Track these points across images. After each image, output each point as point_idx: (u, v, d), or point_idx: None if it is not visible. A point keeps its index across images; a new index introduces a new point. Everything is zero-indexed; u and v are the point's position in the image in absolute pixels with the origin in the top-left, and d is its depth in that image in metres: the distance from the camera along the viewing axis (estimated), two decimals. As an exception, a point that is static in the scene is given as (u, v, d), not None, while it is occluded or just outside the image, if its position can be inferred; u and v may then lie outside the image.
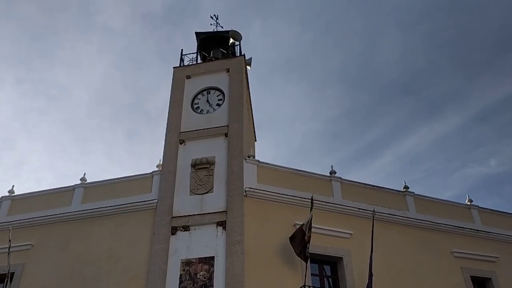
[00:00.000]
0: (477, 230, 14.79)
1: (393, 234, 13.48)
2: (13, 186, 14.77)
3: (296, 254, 11.21)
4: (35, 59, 39.39)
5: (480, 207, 15.64)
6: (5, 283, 11.82)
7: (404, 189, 14.85)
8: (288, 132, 42.11)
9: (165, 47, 42.07)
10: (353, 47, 41.59)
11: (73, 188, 13.98)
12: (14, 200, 14.43)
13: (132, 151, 42.12)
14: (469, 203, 15.63)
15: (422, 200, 14.84)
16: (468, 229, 14.66)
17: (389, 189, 14.71)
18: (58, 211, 13.49)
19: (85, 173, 14.26)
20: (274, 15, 42.04)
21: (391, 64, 40.52)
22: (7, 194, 14.60)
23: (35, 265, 12.74)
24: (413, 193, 14.82)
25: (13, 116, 39.17)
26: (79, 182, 14.08)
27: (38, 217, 13.54)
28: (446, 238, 14.18)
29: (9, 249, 11.85)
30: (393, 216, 13.82)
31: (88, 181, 14.11)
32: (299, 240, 11.20)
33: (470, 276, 13.62)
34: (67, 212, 13.40)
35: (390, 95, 41.54)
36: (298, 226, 11.98)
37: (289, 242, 11.37)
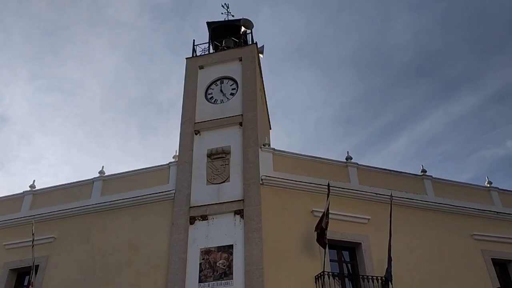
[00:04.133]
0: (497, 212, 14.60)
1: (412, 218, 13.40)
2: (34, 181, 15.14)
3: (316, 241, 11.24)
4: (48, 54, 39.87)
5: (500, 189, 15.42)
6: (30, 275, 12.15)
7: (422, 173, 14.71)
8: (301, 119, 41.93)
9: (174, 38, 42.15)
10: (365, 30, 41.03)
11: (92, 181, 14.21)
12: (36, 195, 14.74)
13: (146, 143, 42.53)
14: (488, 185, 15.42)
15: (440, 184, 14.68)
16: (488, 211, 14.48)
17: (407, 173, 14.59)
18: (79, 204, 13.75)
19: (103, 166, 14.51)
20: (282, 1, 41.63)
21: (405, 47, 39.88)
22: (29, 188, 14.91)
23: (58, 257, 13.05)
24: (431, 176, 14.67)
25: (29, 112, 39.84)
26: (97, 175, 14.29)
27: (59, 211, 13.83)
28: (466, 221, 14.04)
29: (32, 243, 12.13)
30: (411, 200, 13.72)
31: (106, 174, 14.31)
32: (318, 226, 11.22)
33: (491, 259, 13.49)
34: (87, 205, 13.64)
35: (404, 77, 40.96)
36: (315, 213, 12.02)
37: (314, 231, 11.39)
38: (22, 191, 14.91)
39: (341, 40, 41.37)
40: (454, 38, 39.69)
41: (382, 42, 40.53)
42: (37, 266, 12.58)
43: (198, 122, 14.21)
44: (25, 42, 39.00)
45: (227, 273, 11.24)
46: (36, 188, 14.93)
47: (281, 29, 40.98)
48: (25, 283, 13.39)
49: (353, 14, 41.10)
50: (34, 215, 13.74)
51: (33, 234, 12.21)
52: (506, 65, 38.01)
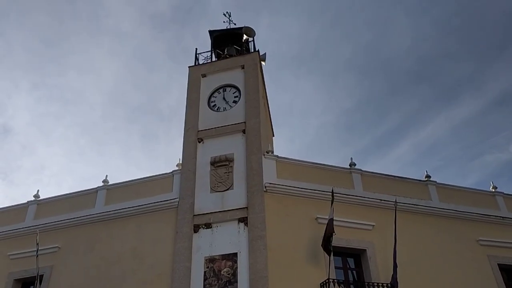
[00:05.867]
0: (503, 217, 14.49)
1: (417, 224, 13.33)
2: (38, 190, 15.15)
3: (322, 247, 11.19)
4: (49, 65, 40.04)
5: (505, 194, 15.31)
6: (35, 285, 12.13)
7: (426, 178, 14.65)
8: (303, 125, 41.92)
9: (174, 47, 42.31)
10: (362, 37, 41.04)
11: (96, 190, 14.22)
12: (40, 204, 14.75)
13: (148, 151, 42.54)
14: (493, 190, 15.34)
15: (445, 189, 14.62)
16: (493, 217, 14.38)
17: (411, 179, 14.54)
18: (83, 213, 13.76)
19: (107, 175, 14.53)
20: (281, 9, 41.80)
21: (402, 53, 39.83)
22: (33, 198, 14.93)
23: (62, 267, 13.02)
24: (435, 182, 14.61)
25: (31, 122, 39.98)
26: (101, 184, 14.31)
27: (63, 220, 13.82)
28: (471, 226, 13.94)
29: (37, 252, 12.14)
30: (415, 206, 13.66)
31: (110, 183, 14.33)
32: (324, 233, 11.17)
33: (498, 264, 13.38)
34: (91, 214, 13.65)
35: (403, 83, 40.94)
36: (319, 220, 12.00)
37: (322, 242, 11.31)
38: (26, 201, 14.93)
39: (338, 47, 41.48)
40: (451, 42, 39.72)
41: (379, 48, 40.63)
42: (41, 276, 12.57)
43: (201, 130, 14.25)
44: (26, 53, 39.26)
45: (231, 282, 11.19)
46: (40, 198, 14.94)
47: (279, 37, 41.15)
48: (30, 293, 13.38)
49: (350, 21, 41.26)
50: (38, 225, 13.77)
51: (37, 244, 12.22)
52: (507, 68, 37.93)
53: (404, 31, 39.74)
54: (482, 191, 15.31)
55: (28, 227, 14.07)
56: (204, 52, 17.20)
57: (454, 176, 41.36)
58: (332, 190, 11.46)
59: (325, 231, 11.19)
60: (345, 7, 40.84)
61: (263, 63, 16.81)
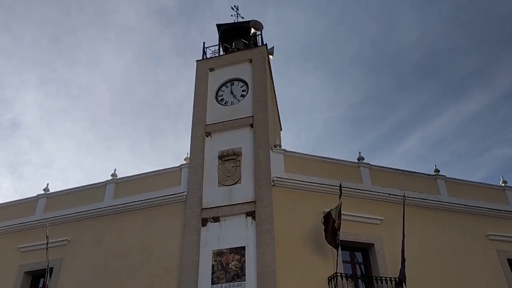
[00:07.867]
0: (512, 212, 14.39)
1: (425, 218, 13.26)
2: (47, 184, 15.30)
3: (327, 241, 11.19)
4: (56, 59, 40.21)
5: (515, 188, 15.19)
6: (45, 278, 12.28)
7: (435, 173, 14.56)
8: (309, 120, 41.81)
9: (181, 42, 42.34)
10: (369, 31, 40.74)
11: (104, 184, 14.31)
12: (50, 198, 14.89)
13: (155, 146, 42.65)
14: (503, 184, 15.20)
15: (454, 183, 14.51)
16: (503, 211, 14.26)
17: (419, 173, 14.45)
18: (92, 207, 13.87)
19: (115, 169, 14.61)
20: (287, 2, 41.62)
21: (410, 46, 39.49)
22: (43, 192, 15.07)
23: (72, 259, 13.16)
24: (445, 176, 14.50)
25: (39, 117, 40.23)
26: (110, 178, 14.39)
27: (73, 213, 13.95)
28: (481, 221, 13.85)
29: (47, 245, 12.26)
30: (424, 200, 13.58)
31: (118, 177, 14.40)
32: (330, 227, 11.16)
33: (507, 259, 13.30)
34: (100, 208, 13.75)
35: (411, 77, 40.64)
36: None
37: (321, 223, 11.33)
38: (36, 194, 15.08)
39: (345, 41, 41.22)
40: (460, 36, 39.30)
41: (387, 42, 40.33)
42: (51, 269, 12.70)
43: (209, 124, 14.26)
44: (33, 48, 39.41)
45: (239, 275, 11.24)
46: (49, 192, 15.08)
47: (286, 31, 40.95)
48: (40, 286, 13.54)
49: (356, 15, 40.94)
50: (48, 218, 13.91)
51: (47, 236, 12.34)
52: (517, 62, 37.49)
53: (411, 25, 39.42)
54: (491, 185, 15.19)
55: (38, 220, 14.22)
56: (211, 46, 17.18)
57: (463, 170, 41.09)
58: (340, 184, 11.42)
59: (328, 224, 11.19)
60: (351, 1, 40.57)
61: (270, 57, 16.74)
